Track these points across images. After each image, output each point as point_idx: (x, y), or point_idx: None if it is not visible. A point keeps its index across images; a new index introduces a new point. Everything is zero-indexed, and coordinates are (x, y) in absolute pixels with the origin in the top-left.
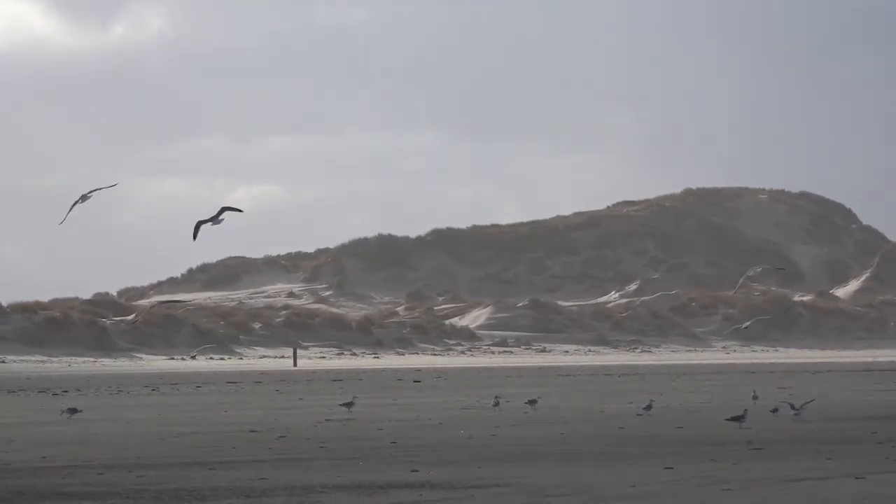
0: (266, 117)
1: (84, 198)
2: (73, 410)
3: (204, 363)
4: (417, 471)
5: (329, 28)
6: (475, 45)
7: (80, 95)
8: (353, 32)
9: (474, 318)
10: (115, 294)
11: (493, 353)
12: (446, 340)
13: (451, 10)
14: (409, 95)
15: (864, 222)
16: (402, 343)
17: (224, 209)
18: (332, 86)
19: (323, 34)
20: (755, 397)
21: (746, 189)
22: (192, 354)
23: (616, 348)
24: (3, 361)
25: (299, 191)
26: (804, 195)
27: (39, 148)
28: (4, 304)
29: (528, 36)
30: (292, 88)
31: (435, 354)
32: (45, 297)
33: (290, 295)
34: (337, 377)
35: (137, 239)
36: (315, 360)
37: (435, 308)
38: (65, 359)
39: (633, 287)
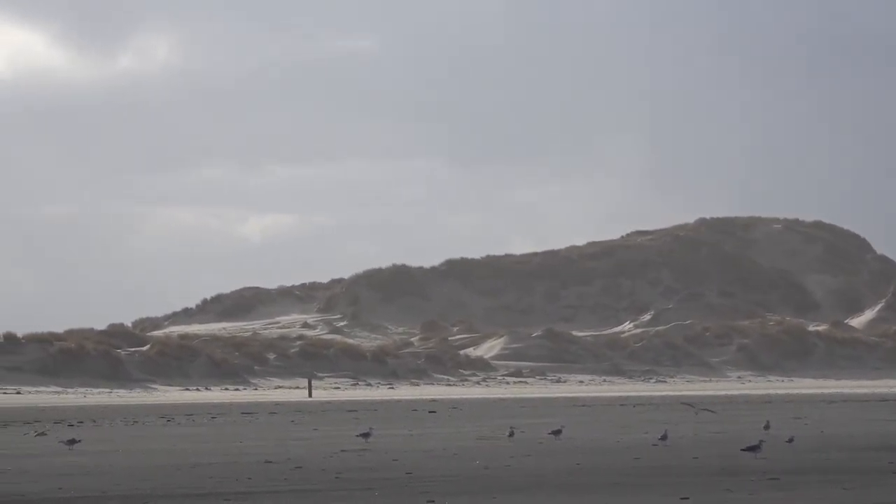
0: (274, 146)
1: None
2: (72, 441)
3: (219, 394)
4: (433, 501)
5: (335, 57)
6: (481, 73)
7: (88, 125)
8: (359, 61)
9: (489, 349)
10: (129, 325)
11: (507, 383)
12: (461, 371)
13: (457, 39)
14: (416, 124)
15: (879, 251)
16: (417, 373)
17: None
18: (338, 114)
19: (326, 62)
20: (767, 427)
21: (760, 218)
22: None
23: (631, 378)
24: (19, 392)
25: (310, 220)
26: (818, 224)
27: (47, 177)
28: (19, 335)
29: (535, 64)
30: (299, 117)
31: (450, 385)
32: (59, 328)
33: (305, 325)
34: (352, 408)
35: (151, 269)
36: (330, 390)
37: (450, 338)
38: (80, 390)
39: (647, 317)
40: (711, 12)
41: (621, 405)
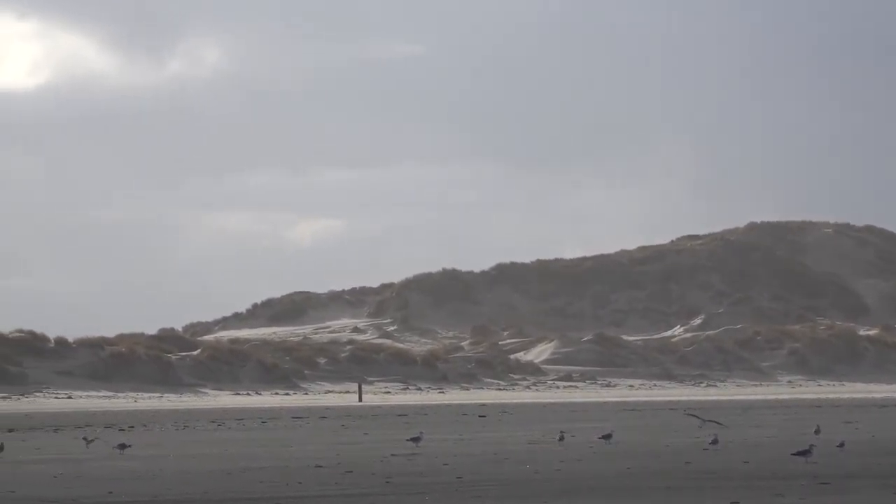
0: (323, 151)
1: None
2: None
3: (269, 398)
4: None
5: (383, 61)
6: (529, 77)
7: (135, 129)
8: (408, 66)
9: (539, 353)
10: (180, 329)
11: (557, 387)
12: (511, 375)
13: (504, 43)
14: (464, 128)
15: None
16: (467, 378)
17: None
18: (386, 118)
19: (376, 67)
20: (817, 432)
21: (811, 223)
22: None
23: (681, 383)
24: (70, 397)
25: (360, 224)
26: (869, 229)
27: (97, 182)
28: (70, 339)
29: (586, 69)
30: (348, 122)
31: (500, 389)
32: (110, 333)
33: (355, 330)
34: (402, 412)
35: (201, 274)
36: (380, 395)
37: (500, 342)
38: (130, 394)
39: (697, 321)
40: (760, 17)
41: (671, 409)
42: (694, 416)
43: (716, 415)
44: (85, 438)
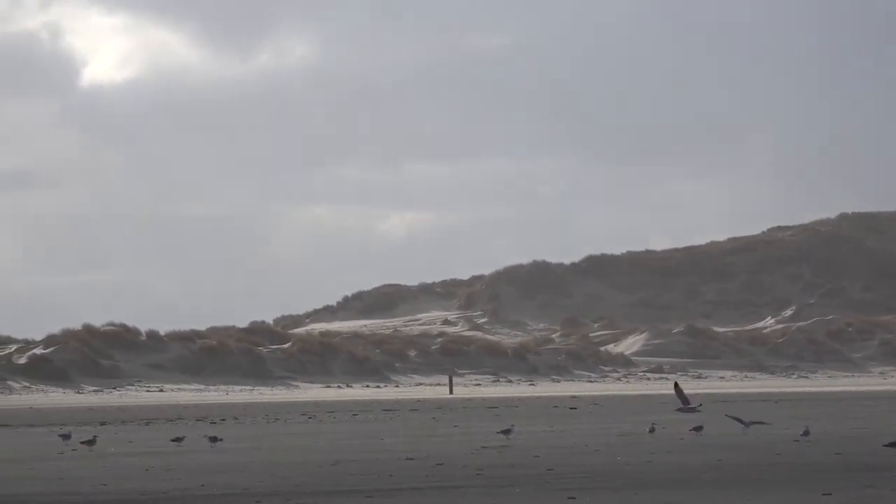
0: (413, 144)
1: None
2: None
3: (360, 391)
4: (574, 498)
5: (471, 54)
6: (616, 69)
7: (226, 123)
8: (495, 58)
9: (629, 345)
10: (271, 322)
11: (648, 379)
12: (602, 367)
13: (592, 36)
14: (554, 120)
15: None
16: (558, 370)
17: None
18: (475, 111)
19: (465, 60)
20: None
21: None
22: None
23: (772, 374)
24: (161, 390)
25: (450, 217)
26: None
27: (185, 176)
28: (162, 333)
29: (674, 61)
30: (437, 114)
31: (590, 381)
32: (202, 326)
33: (446, 322)
34: (493, 404)
35: (292, 267)
36: (471, 387)
37: (590, 335)
38: (222, 387)
39: (788, 312)
40: (848, 9)
41: (763, 401)
42: (736, 419)
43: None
44: (176, 439)
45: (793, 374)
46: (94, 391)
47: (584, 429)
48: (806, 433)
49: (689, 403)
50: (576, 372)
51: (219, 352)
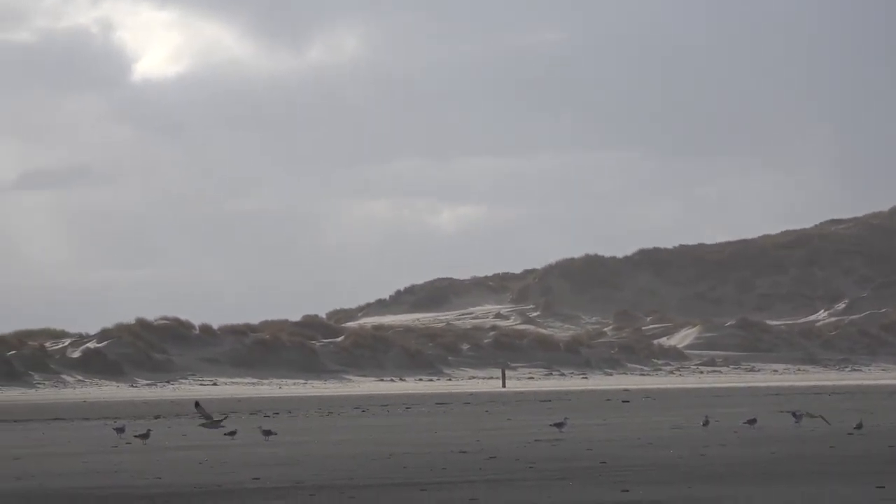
0: (464, 138)
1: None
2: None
3: (413, 384)
4: (628, 490)
5: (523, 49)
6: (669, 63)
7: (277, 118)
8: (550, 53)
9: (682, 338)
10: (324, 316)
11: (701, 372)
12: (654, 360)
13: (648, 30)
14: (604, 114)
15: None
16: (611, 363)
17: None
18: (527, 106)
19: (517, 55)
20: None
21: None
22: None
23: (825, 367)
24: (215, 384)
25: (502, 211)
26: None
27: (238, 171)
28: (215, 326)
29: (727, 55)
30: (488, 109)
31: (643, 374)
32: (254, 320)
33: (498, 316)
34: (545, 398)
35: (345, 261)
36: (524, 380)
37: (643, 328)
38: (275, 381)
39: (841, 305)
40: None
41: (816, 394)
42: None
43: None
44: (230, 433)
45: (846, 367)
46: (148, 385)
47: (637, 422)
48: (859, 426)
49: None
50: (628, 365)
51: (272, 345)
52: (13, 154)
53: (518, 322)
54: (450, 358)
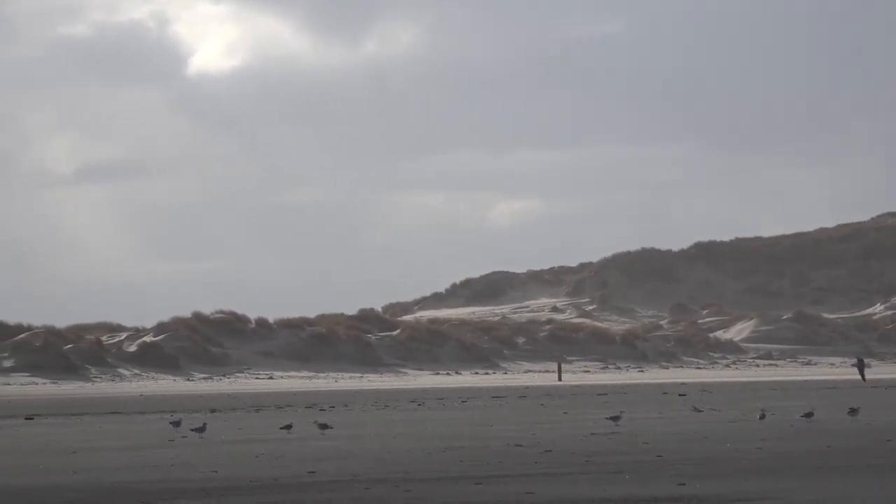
0: (520, 131)
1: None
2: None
3: (468, 377)
4: (684, 484)
5: (581, 40)
6: (727, 56)
7: (333, 111)
8: (605, 45)
9: (738, 331)
10: (380, 310)
11: (757, 365)
12: (711, 353)
13: (702, 22)
14: (660, 107)
15: None
16: (667, 356)
17: None
18: (583, 99)
19: (574, 47)
20: None
21: None
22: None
23: (882, 360)
24: (271, 377)
25: (558, 204)
26: None
27: (293, 164)
28: (271, 320)
29: (784, 47)
30: (543, 101)
31: (699, 368)
32: (311, 314)
33: (554, 309)
34: (601, 391)
35: (401, 254)
36: (579, 374)
37: (699, 321)
38: (331, 374)
39: None
40: None
41: (873, 388)
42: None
43: None
44: (286, 426)
45: None
46: (204, 378)
47: (694, 415)
48: None
49: None
50: (684, 358)
51: (328, 339)
52: (70, 148)
53: (574, 315)
54: (505, 351)
